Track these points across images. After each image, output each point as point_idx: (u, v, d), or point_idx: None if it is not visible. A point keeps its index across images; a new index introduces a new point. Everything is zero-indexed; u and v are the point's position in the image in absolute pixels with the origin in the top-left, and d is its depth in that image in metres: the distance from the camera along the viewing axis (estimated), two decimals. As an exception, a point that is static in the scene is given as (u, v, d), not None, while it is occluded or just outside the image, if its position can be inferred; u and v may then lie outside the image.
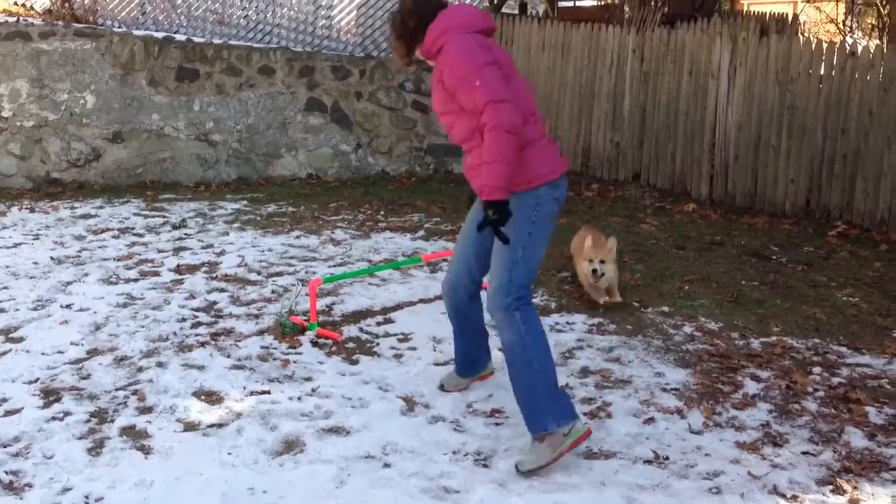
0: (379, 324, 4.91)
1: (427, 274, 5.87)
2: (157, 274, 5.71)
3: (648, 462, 3.40)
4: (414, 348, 4.55)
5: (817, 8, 16.61)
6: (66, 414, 3.69)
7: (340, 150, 9.36)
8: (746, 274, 5.97)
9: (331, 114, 9.27)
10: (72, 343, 4.48)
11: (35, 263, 5.85)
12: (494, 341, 4.11)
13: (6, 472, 3.22)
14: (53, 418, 3.66)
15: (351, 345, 4.58)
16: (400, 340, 4.66)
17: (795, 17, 15.35)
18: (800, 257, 6.43)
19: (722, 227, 7.40)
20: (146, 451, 3.40)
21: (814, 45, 7.56)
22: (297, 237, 6.79)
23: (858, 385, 4.13)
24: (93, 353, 4.37)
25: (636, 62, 8.86)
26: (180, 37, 9.03)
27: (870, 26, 17.09)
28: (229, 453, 3.39)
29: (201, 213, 7.50)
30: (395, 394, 3.97)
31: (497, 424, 3.70)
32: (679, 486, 3.22)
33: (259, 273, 5.78)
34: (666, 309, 5.22)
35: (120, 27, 9.30)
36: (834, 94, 7.36)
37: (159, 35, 8.86)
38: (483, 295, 3.69)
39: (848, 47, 7.42)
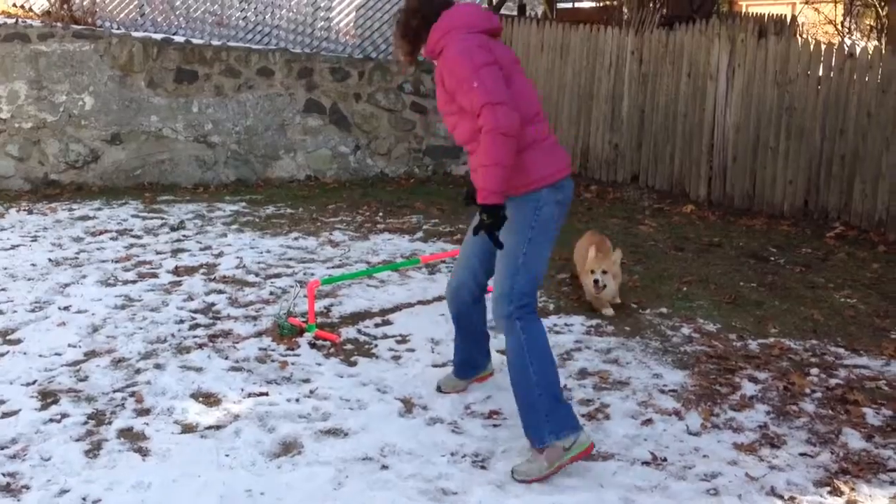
0: (377, 325, 4.91)
1: (425, 275, 5.87)
2: (155, 276, 5.71)
3: (646, 463, 3.40)
4: (412, 350, 4.55)
5: (816, 9, 16.62)
6: (64, 416, 3.69)
7: (339, 152, 9.36)
8: (745, 275, 5.97)
9: (329, 115, 9.27)
10: (69, 345, 4.47)
11: (33, 265, 5.85)
12: (495, 342, 4.11)
13: (3, 474, 3.22)
14: (51, 420, 3.65)
15: (349, 346, 4.58)
16: (398, 342, 4.66)
17: (794, 18, 15.37)
18: (798, 258, 6.43)
19: (720, 228, 7.41)
20: (144, 452, 3.40)
21: (812, 47, 7.57)
22: (296, 239, 6.79)
23: (856, 386, 4.14)
24: (90, 354, 4.37)
25: (635, 64, 8.86)
26: (179, 38, 9.02)
27: (868, 27, 17.10)
28: (227, 455, 3.39)
29: (200, 215, 7.50)
30: (393, 395, 3.97)
31: (495, 426, 3.70)
32: (677, 488, 3.22)
33: (257, 275, 5.78)
34: (664, 310, 5.22)
35: (119, 29, 9.30)
36: (832, 95, 7.36)
37: (158, 37, 8.86)
38: (488, 298, 3.65)
39: (846, 48, 7.43)
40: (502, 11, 12.66)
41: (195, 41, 9.03)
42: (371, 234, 6.98)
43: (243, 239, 6.71)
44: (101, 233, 6.78)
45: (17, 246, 6.33)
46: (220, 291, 5.40)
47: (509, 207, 3.28)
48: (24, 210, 7.53)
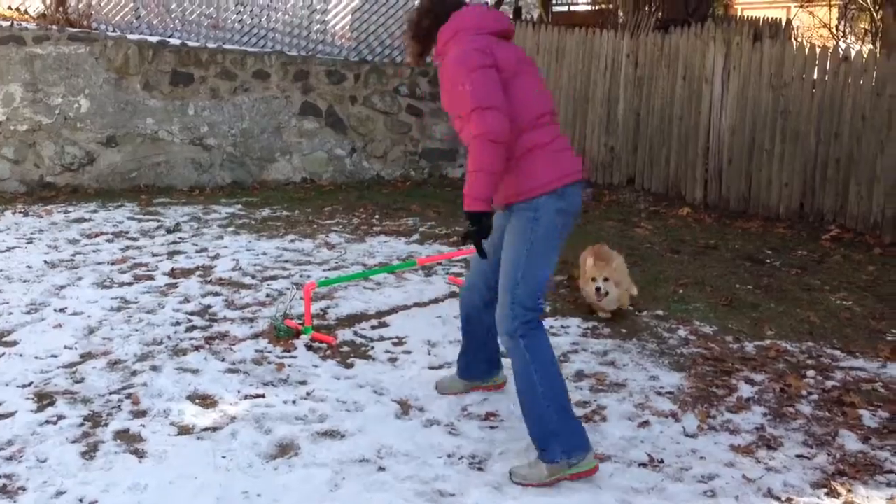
0: (374, 327, 4.91)
1: (422, 278, 5.87)
2: (151, 278, 5.70)
3: (643, 465, 3.40)
4: (409, 352, 4.54)
5: (811, 13, 16.67)
6: (60, 418, 3.68)
7: (335, 155, 9.36)
8: (740, 278, 5.98)
9: (325, 118, 9.27)
10: (65, 347, 4.47)
11: (29, 267, 5.84)
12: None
13: (0, 476, 3.21)
14: (47, 422, 3.65)
15: (345, 348, 4.58)
16: (395, 344, 4.66)
17: (789, 21, 15.39)
18: (794, 261, 6.44)
19: (716, 230, 7.42)
20: (140, 454, 3.40)
21: (807, 50, 7.59)
22: (292, 241, 6.78)
23: (852, 388, 4.14)
24: (86, 356, 4.36)
25: (630, 67, 8.88)
26: (175, 41, 9.03)
27: (863, 31, 17.14)
28: (223, 457, 3.38)
29: (196, 217, 7.49)
30: (389, 397, 3.97)
31: (492, 428, 3.70)
32: (674, 490, 3.22)
33: (253, 277, 5.77)
34: (660, 312, 5.23)
35: (114, 31, 9.30)
36: (827, 98, 7.38)
37: (154, 39, 8.86)
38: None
39: (841, 52, 7.45)
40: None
41: (191, 44, 9.04)
42: (367, 237, 6.98)
43: (239, 241, 6.70)
44: (96, 235, 6.77)
45: (13, 248, 6.32)
46: (217, 294, 5.39)
47: (510, 216, 3.26)
48: (20, 212, 7.51)
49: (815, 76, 7.48)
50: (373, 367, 4.34)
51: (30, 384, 4.01)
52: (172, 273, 5.80)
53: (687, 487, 3.24)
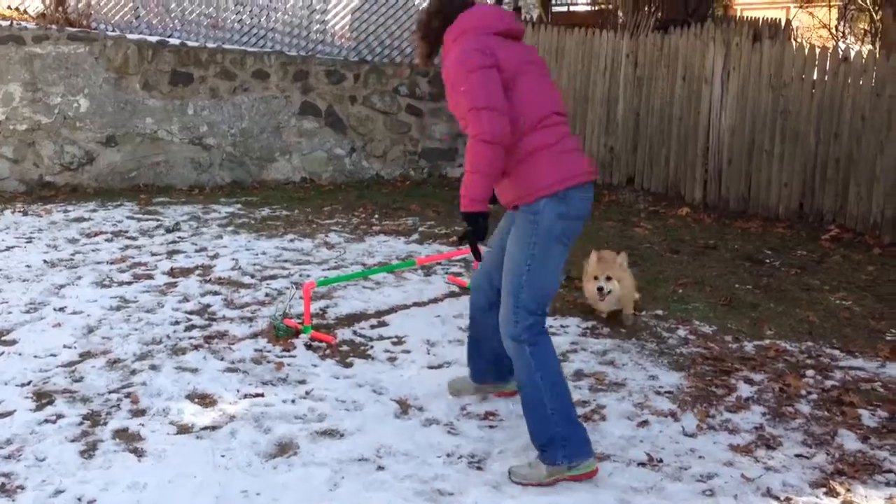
0: (373, 327, 4.91)
1: (421, 277, 5.87)
2: (150, 277, 5.70)
3: (642, 465, 3.40)
4: (408, 351, 4.54)
5: (810, 13, 16.67)
6: (59, 416, 3.69)
7: (335, 154, 9.36)
8: (740, 277, 5.98)
9: (325, 118, 9.27)
10: (65, 346, 4.47)
11: (28, 266, 5.84)
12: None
13: (-2, 475, 3.21)
14: (46, 421, 3.65)
15: (345, 348, 4.58)
16: (394, 343, 4.66)
17: (788, 22, 15.39)
18: (793, 261, 6.44)
19: (715, 231, 7.42)
20: (139, 453, 3.40)
21: (807, 50, 7.59)
22: (291, 240, 6.78)
23: (851, 388, 4.14)
24: (86, 355, 4.36)
25: (630, 67, 8.88)
26: (174, 41, 9.02)
27: (862, 31, 17.15)
28: (223, 456, 3.38)
29: (195, 217, 7.49)
30: (388, 397, 3.97)
31: (491, 427, 3.70)
32: (673, 489, 3.22)
33: (253, 276, 5.77)
34: (660, 312, 5.23)
35: (114, 31, 9.29)
36: (827, 98, 7.38)
37: (153, 39, 8.86)
38: None
39: (841, 52, 7.45)
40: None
41: (190, 43, 9.03)
42: (367, 236, 6.98)
43: (239, 241, 6.70)
44: (96, 234, 6.77)
45: (12, 247, 6.32)
46: (216, 293, 5.39)
47: (516, 218, 3.24)
48: (19, 211, 7.51)
49: (815, 76, 7.48)
50: (372, 366, 4.34)
51: (29, 383, 4.01)
52: (172, 272, 5.80)
53: (686, 487, 3.24)
